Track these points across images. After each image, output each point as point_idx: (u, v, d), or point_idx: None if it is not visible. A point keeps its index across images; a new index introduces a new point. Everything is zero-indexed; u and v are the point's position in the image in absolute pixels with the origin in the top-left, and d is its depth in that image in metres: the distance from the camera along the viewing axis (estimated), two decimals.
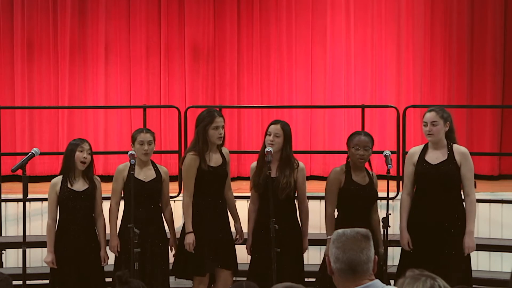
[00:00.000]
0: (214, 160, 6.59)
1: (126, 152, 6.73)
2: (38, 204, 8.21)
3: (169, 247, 6.84)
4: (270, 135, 6.58)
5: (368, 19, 10.37)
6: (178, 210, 7.87)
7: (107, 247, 6.73)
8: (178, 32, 10.43)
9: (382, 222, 6.34)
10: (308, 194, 6.79)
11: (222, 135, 6.56)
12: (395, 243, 7.04)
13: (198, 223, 6.52)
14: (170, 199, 7.00)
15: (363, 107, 8.61)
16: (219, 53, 10.44)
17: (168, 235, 6.85)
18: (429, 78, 10.29)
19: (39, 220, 8.18)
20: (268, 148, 6.55)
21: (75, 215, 6.58)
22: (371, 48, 10.37)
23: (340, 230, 3.40)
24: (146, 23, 10.40)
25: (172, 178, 7.72)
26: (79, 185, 6.61)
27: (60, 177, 6.64)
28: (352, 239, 3.33)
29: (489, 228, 7.96)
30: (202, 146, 6.52)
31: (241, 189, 8.64)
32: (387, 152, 6.54)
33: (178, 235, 6.78)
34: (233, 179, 6.89)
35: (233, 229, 6.80)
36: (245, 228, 6.83)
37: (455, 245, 6.28)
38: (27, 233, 6.60)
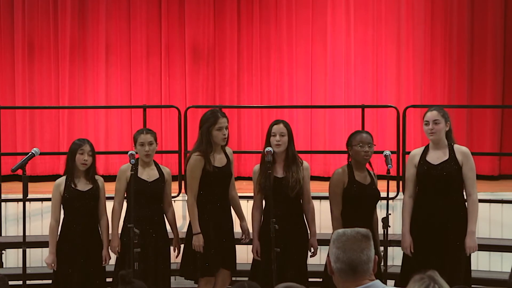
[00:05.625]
0: (219, 160, 6.55)
1: (126, 152, 6.72)
2: (38, 204, 8.21)
3: (173, 248, 6.82)
4: (275, 135, 6.49)
5: (368, 19, 10.36)
6: (178, 210, 7.89)
7: (109, 247, 6.72)
8: (178, 33, 10.42)
9: (382, 222, 6.33)
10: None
11: (226, 135, 6.52)
12: (395, 243, 7.03)
13: (205, 224, 6.49)
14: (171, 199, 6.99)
15: (363, 107, 8.61)
16: (219, 53, 10.44)
17: (170, 235, 6.84)
18: (429, 78, 10.28)
19: (39, 220, 8.17)
20: (268, 148, 6.50)
21: (79, 215, 6.57)
22: (371, 48, 10.36)
23: (340, 230, 3.39)
24: (146, 24, 10.40)
25: (173, 178, 7.71)
26: (83, 185, 6.60)
27: (64, 177, 6.64)
28: (353, 239, 3.32)
29: (489, 228, 7.96)
30: (206, 147, 6.48)
31: (241, 189, 8.58)
32: (387, 152, 6.51)
33: (181, 236, 6.75)
34: (234, 179, 6.90)
35: (237, 228, 6.77)
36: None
37: (458, 246, 6.26)
38: (27, 233, 6.59)
